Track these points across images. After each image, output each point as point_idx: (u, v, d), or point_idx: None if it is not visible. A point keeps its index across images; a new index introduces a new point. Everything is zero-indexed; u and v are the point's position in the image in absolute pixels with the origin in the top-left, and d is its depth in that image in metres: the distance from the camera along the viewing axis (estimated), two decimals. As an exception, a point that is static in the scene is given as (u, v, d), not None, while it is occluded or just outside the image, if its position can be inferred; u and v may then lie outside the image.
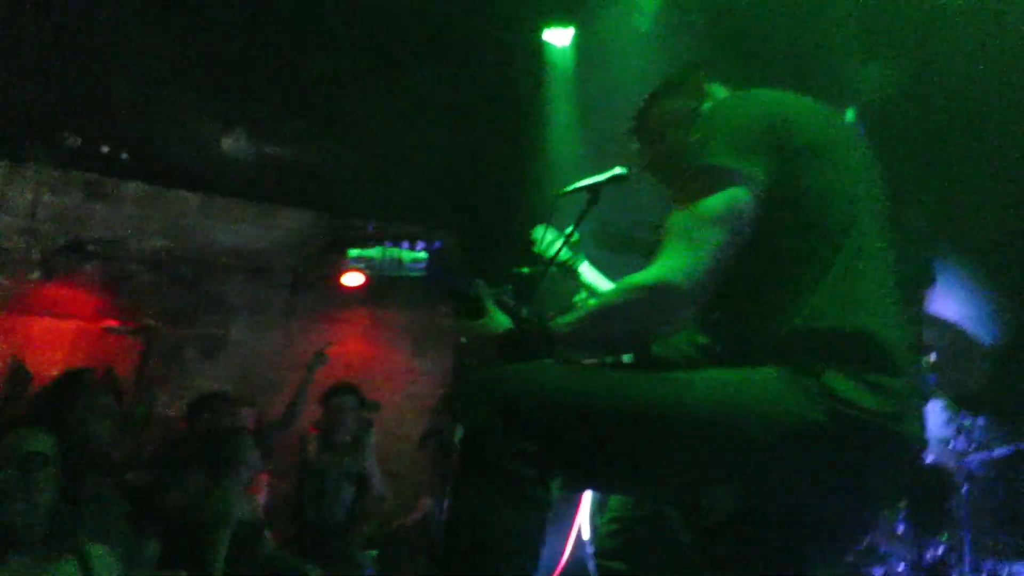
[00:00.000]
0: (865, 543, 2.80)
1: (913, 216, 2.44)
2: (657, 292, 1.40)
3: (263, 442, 4.02)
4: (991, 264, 3.52)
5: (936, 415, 2.60)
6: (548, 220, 2.40)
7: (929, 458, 2.64)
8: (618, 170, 2.29)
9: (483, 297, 1.70)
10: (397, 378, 5.97)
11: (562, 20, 4.80)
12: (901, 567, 2.73)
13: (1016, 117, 3.40)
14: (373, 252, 2.04)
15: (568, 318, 1.51)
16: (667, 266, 1.39)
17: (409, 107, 5.50)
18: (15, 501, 2.16)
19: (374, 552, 4.21)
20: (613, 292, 1.57)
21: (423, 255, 1.91)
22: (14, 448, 2.26)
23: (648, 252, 1.63)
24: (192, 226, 5.87)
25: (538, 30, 4.85)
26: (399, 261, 1.90)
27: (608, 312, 1.49)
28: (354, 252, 2.03)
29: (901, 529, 2.54)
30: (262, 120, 5.33)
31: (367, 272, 2.08)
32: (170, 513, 2.85)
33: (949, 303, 3.59)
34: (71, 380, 2.96)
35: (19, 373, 4.04)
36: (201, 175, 5.74)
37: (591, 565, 3.50)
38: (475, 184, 5.83)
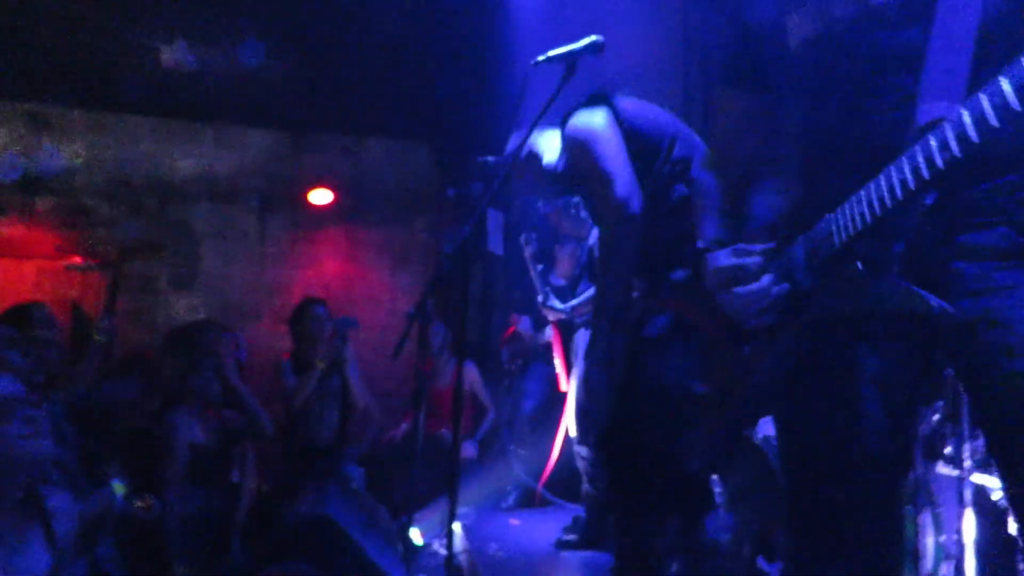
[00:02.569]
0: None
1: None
2: (613, 219, 1.97)
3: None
4: None
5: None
6: (521, 92, 2.22)
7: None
8: (594, 38, 2.13)
9: None
10: (378, 296, 5.84)
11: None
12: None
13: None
14: None
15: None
16: None
17: (370, 13, 5.17)
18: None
19: (362, 468, 4.18)
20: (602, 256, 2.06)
21: None
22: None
23: None
24: (148, 153, 5.59)
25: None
26: None
27: (607, 261, 2.03)
28: None
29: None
30: (208, 32, 4.99)
31: None
32: (126, 437, 2.76)
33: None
34: (16, 314, 2.80)
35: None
36: (150, 98, 5.41)
37: (579, 463, 3.49)
38: (444, 92, 5.54)
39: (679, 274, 2.01)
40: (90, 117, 5.44)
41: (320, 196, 5.63)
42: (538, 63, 2.16)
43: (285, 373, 4.11)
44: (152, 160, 5.62)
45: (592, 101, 2.17)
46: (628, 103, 2.17)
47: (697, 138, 2.19)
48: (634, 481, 2.08)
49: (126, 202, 5.50)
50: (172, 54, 5.03)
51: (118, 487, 2.53)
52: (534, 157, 2.28)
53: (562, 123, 2.21)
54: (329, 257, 5.81)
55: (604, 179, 2.02)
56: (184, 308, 5.41)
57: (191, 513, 3.01)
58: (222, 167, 5.78)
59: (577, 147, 2.14)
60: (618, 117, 2.12)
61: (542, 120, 2.14)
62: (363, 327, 4.64)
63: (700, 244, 1.40)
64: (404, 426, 4.74)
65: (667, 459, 2.06)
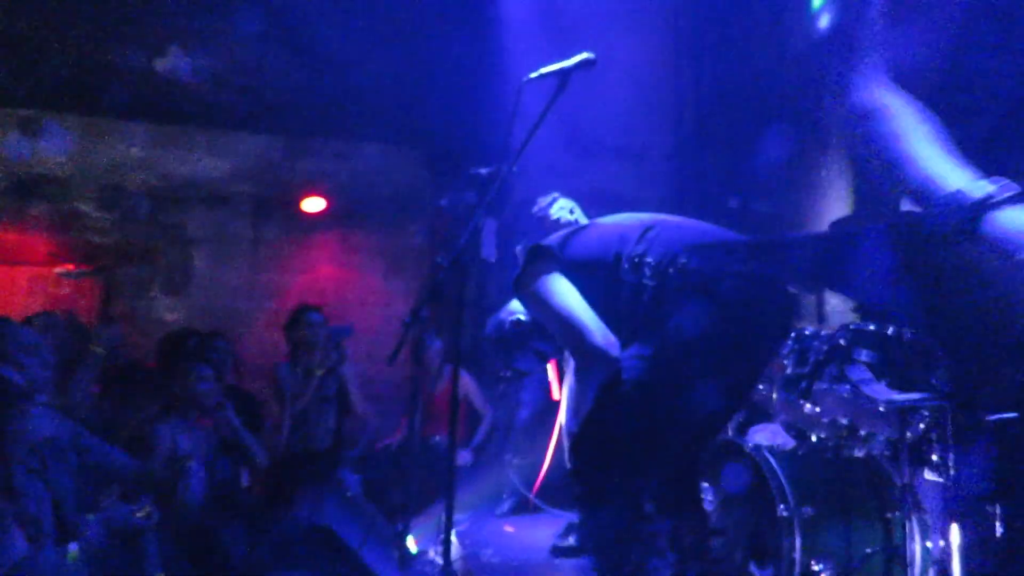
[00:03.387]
0: (844, 427, 2.79)
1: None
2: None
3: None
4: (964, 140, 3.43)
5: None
6: (515, 107, 2.27)
7: (909, 333, 2.59)
8: (586, 55, 2.18)
9: None
10: (372, 301, 5.85)
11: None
12: (882, 446, 2.73)
13: None
14: None
15: None
16: None
17: (365, 20, 5.19)
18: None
19: (359, 475, 4.20)
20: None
21: None
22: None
23: None
24: (141, 158, 5.59)
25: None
26: None
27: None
28: None
29: (883, 408, 2.51)
30: (202, 38, 5.00)
31: None
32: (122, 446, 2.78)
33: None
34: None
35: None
36: (144, 103, 5.41)
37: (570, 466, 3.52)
38: (437, 99, 5.57)
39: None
40: (83, 122, 5.43)
41: (313, 202, 5.64)
42: (530, 79, 2.21)
43: (283, 378, 4.13)
44: (145, 165, 5.62)
45: (532, 259, 2.21)
46: (568, 242, 2.23)
47: (655, 222, 2.23)
48: (609, 488, 2.12)
49: (119, 208, 5.49)
50: (166, 60, 5.04)
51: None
52: (519, 323, 2.38)
53: (514, 289, 2.26)
54: (323, 262, 5.83)
55: (576, 333, 2.08)
56: (177, 314, 5.41)
57: (187, 519, 3.02)
58: (215, 172, 5.78)
59: (539, 312, 2.21)
60: (562, 263, 2.17)
61: (534, 134, 2.18)
62: (357, 332, 4.67)
63: None
64: (400, 432, 4.76)
65: (646, 464, 2.11)
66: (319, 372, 4.17)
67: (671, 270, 2.04)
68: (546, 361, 2.69)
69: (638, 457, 2.08)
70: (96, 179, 5.46)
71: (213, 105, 5.52)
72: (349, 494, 3.80)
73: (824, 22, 4.27)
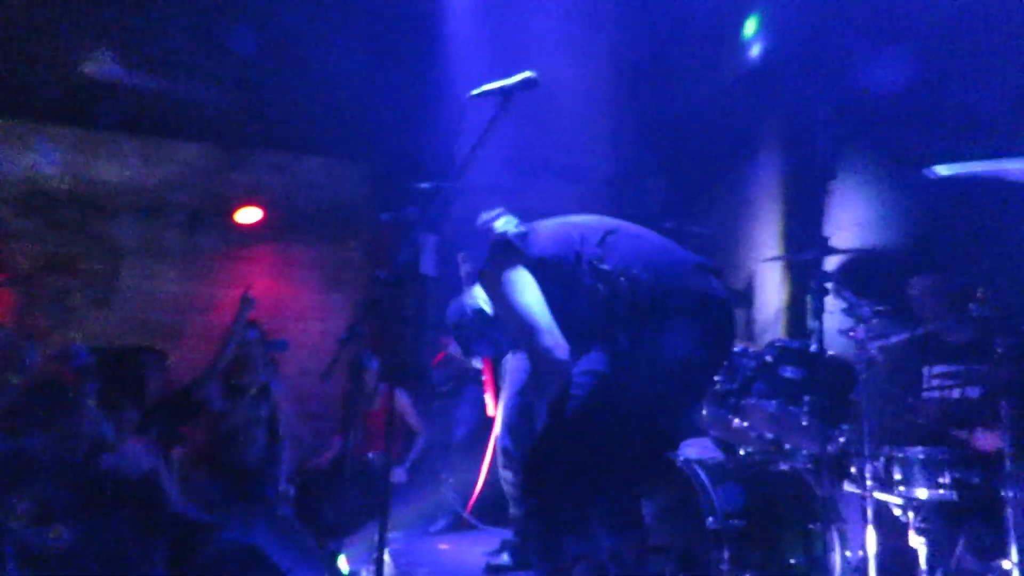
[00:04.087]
0: (770, 441, 2.89)
1: (821, 114, 2.44)
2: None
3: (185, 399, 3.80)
4: (888, 167, 3.63)
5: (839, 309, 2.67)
6: (458, 124, 2.29)
7: (831, 351, 2.71)
8: (528, 74, 2.22)
9: None
10: (308, 316, 5.75)
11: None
12: (804, 460, 2.83)
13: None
14: None
15: None
16: None
17: (308, 30, 5.15)
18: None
19: (290, 493, 4.10)
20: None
21: None
22: None
23: None
24: (69, 164, 5.38)
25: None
26: None
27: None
28: None
29: (805, 423, 2.61)
30: (135, 43, 4.87)
31: None
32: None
33: (850, 206, 3.70)
34: None
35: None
36: (72, 108, 5.22)
37: (505, 488, 3.53)
38: (380, 114, 5.56)
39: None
40: (5, 126, 5.21)
41: (249, 213, 5.53)
42: (473, 96, 2.24)
43: (213, 396, 4.01)
44: (73, 172, 5.41)
45: (498, 251, 2.26)
46: (534, 238, 2.28)
47: (610, 225, 2.29)
48: (557, 505, 2.13)
49: (42, 214, 5.27)
50: (95, 63, 4.88)
51: None
52: (480, 312, 2.39)
53: (479, 279, 2.32)
54: (258, 275, 5.69)
55: (528, 331, 2.12)
56: (102, 326, 5.19)
57: (106, 541, 2.89)
58: (148, 181, 5.61)
59: (498, 303, 2.25)
60: (526, 258, 2.22)
61: (477, 151, 2.21)
62: (293, 348, 4.57)
63: None
64: (333, 450, 4.67)
65: (595, 483, 2.14)
66: (252, 390, 4.07)
67: (623, 279, 2.09)
68: (502, 352, 2.71)
69: (589, 474, 2.09)
70: (19, 184, 5.22)
71: (145, 112, 5.37)
72: (279, 513, 3.71)
73: (755, 52, 4.47)
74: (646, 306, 2.08)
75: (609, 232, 2.21)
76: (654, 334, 2.07)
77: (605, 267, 2.12)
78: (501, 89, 2.21)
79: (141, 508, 3.21)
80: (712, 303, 2.16)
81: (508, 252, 2.23)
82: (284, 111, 5.51)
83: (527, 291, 2.15)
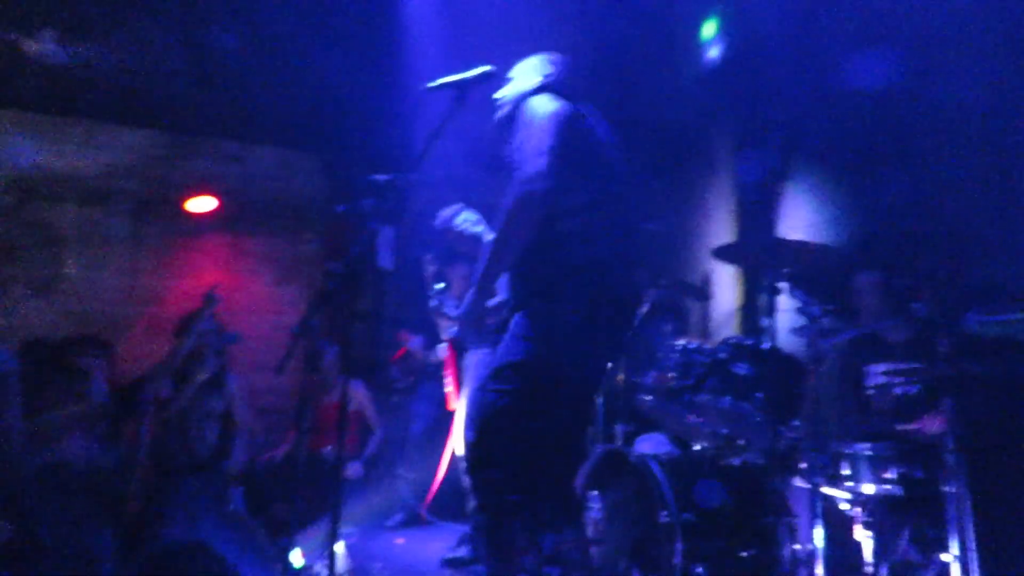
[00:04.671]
0: (723, 437, 2.94)
1: (771, 125, 2.49)
2: (524, 202, 2.12)
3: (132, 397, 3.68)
4: (838, 169, 3.73)
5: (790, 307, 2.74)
6: (416, 117, 2.29)
7: (783, 349, 2.77)
8: (486, 68, 2.22)
9: None
10: (261, 309, 5.63)
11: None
12: (756, 455, 2.90)
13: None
14: None
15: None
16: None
17: (262, 20, 5.03)
18: None
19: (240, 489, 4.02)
20: (499, 229, 2.15)
21: None
22: None
23: None
24: (8, 147, 5.16)
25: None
26: None
27: (504, 240, 2.14)
28: None
29: (758, 419, 2.66)
30: (80, 23, 4.68)
31: None
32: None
33: (801, 206, 3.79)
34: None
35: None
36: (12, 90, 5.00)
37: (465, 482, 3.53)
38: (337, 105, 5.47)
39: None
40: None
41: (201, 203, 5.39)
42: (431, 88, 2.23)
43: (163, 386, 3.90)
44: (11, 155, 5.19)
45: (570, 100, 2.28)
46: (598, 127, 2.34)
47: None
48: (505, 499, 2.15)
49: (-23, 201, 5.05)
50: (36, 43, 4.68)
51: None
52: (490, 76, 2.31)
53: (536, 91, 2.31)
54: (209, 266, 5.56)
55: (536, 150, 2.12)
56: (43, 317, 5.00)
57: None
58: (92, 167, 5.41)
59: (531, 114, 2.22)
60: (583, 130, 2.24)
61: (433, 144, 2.20)
62: (245, 341, 4.48)
63: None
64: (287, 444, 4.60)
65: (539, 476, 2.16)
66: (200, 377, 3.97)
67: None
68: (466, 276, 2.73)
69: (530, 463, 2.11)
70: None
71: (92, 96, 5.18)
72: (229, 508, 3.63)
73: (713, 53, 4.53)
74: (598, 281, 2.13)
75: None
76: (595, 310, 2.13)
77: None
78: (458, 82, 2.20)
79: (87, 502, 3.12)
80: (638, 302, 2.28)
81: (579, 110, 2.28)
82: (237, 99, 5.38)
83: (563, 135, 2.16)
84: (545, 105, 2.22)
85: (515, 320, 2.19)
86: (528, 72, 2.46)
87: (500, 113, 2.42)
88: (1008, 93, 2.98)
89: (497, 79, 2.37)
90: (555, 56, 2.53)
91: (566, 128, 2.18)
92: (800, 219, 3.79)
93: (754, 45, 4.27)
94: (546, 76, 2.42)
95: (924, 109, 3.29)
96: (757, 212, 4.02)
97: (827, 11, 3.80)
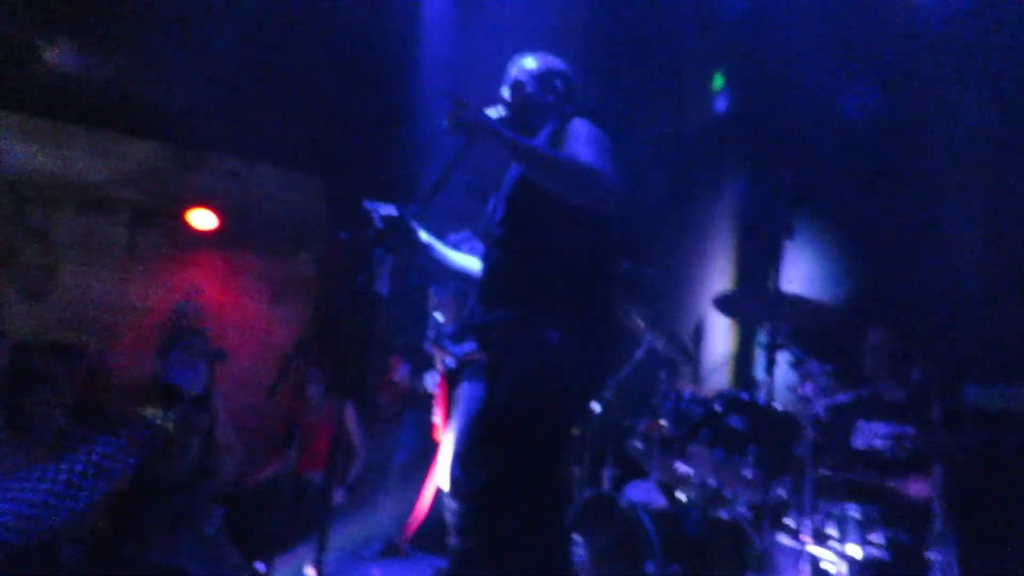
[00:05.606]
0: (712, 488, 2.93)
1: (784, 177, 2.52)
2: (597, 175, 1.93)
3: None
4: (840, 226, 3.77)
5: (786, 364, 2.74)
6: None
7: (778, 405, 2.77)
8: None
9: None
10: (252, 327, 5.61)
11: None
12: (744, 509, 2.88)
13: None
14: None
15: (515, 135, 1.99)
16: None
17: (273, 40, 5.08)
18: None
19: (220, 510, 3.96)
20: (561, 153, 1.98)
21: None
22: None
23: None
24: (10, 151, 5.15)
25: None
26: None
27: (553, 161, 1.95)
28: None
29: (749, 474, 2.65)
30: (96, 35, 4.72)
31: None
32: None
33: (802, 261, 3.81)
34: None
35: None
36: (21, 95, 5.01)
37: (448, 516, 3.48)
38: (341, 127, 5.50)
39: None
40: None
41: (202, 217, 5.39)
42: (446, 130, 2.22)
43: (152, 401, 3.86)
44: (11, 159, 5.18)
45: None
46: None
47: None
48: (508, 535, 2.11)
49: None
50: (48, 50, 4.71)
51: None
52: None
53: (591, 115, 2.17)
54: (204, 281, 5.54)
55: (597, 166, 1.96)
56: (35, 322, 4.96)
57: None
58: (93, 174, 5.41)
59: (590, 129, 2.07)
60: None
61: (445, 180, 2.20)
62: (234, 359, 4.44)
63: None
64: (273, 465, 4.54)
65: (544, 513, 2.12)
66: (189, 396, 3.93)
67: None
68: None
69: (533, 507, 2.07)
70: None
71: (97, 103, 5.20)
72: (207, 532, 3.57)
73: (722, 104, 4.60)
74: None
75: None
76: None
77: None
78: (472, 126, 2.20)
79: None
80: None
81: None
82: (243, 117, 5.40)
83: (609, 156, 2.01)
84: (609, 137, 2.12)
85: (543, 337, 1.97)
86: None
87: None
88: (1009, 153, 3.03)
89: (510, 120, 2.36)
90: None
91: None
92: (799, 273, 3.82)
93: (760, 94, 4.33)
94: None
95: (927, 166, 3.34)
96: (757, 262, 4.05)
97: (837, 62, 3.86)
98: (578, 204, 1.97)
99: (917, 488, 2.67)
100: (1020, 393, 2.16)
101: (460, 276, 2.43)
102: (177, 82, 5.18)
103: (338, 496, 4.55)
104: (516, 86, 2.30)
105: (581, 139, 2.02)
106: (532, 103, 2.27)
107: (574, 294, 1.99)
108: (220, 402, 4.18)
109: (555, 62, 2.36)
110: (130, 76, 5.13)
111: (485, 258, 2.25)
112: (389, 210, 2.40)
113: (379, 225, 2.25)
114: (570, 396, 2.06)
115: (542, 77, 2.29)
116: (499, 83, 2.45)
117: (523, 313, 2.01)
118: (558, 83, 2.31)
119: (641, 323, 3.46)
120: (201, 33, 5.05)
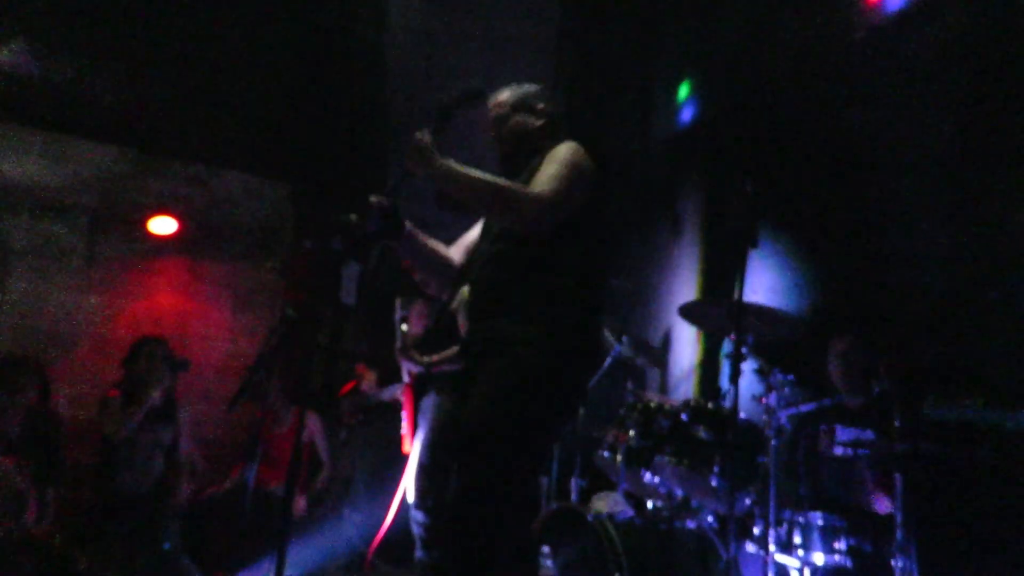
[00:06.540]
0: (679, 498, 2.94)
1: (747, 187, 2.54)
2: (513, 201, 1.94)
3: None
4: (803, 238, 3.83)
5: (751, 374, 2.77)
6: (384, 153, 2.26)
7: (742, 415, 2.80)
8: (475, 90, 2.19)
9: None
10: (215, 336, 5.49)
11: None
12: (710, 519, 2.90)
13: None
14: None
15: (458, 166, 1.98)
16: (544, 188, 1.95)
17: (239, 45, 5.02)
18: None
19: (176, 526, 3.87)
20: (503, 181, 1.99)
21: None
22: None
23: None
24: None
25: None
26: None
27: (490, 186, 1.95)
28: None
29: (715, 483, 2.67)
30: (47, 32, 4.60)
31: None
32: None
33: (766, 272, 3.86)
34: None
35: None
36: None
37: (415, 528, 3.45)
38: (307, 134, 5.44)
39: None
40: None
41: (162, 223, 5.27)
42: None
43: (111, 411, 3.76)
44: (-35, 162, 5.02)
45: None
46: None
47: None
48: (483, 548, 2.08)
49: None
50: (5, 53, 4.58)
51: None
52: (481, 95, 2.22)
53: (576, 137, 2.16)
54: (165, 289, 5.42)
55: (560, 187, 1.96)
56: (-16, 331, 4.80)
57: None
58: (49, 179, 5.26)
59: (566, 152, 2.06)
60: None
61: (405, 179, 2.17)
62: (196, 367, 4.34)
63: None
64: (232, 479, 4.44)
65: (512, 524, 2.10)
66: (152, 398, 3.85)
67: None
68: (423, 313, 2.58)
69: (507, 522, 2.05)
70: None
71: (55, 107, 5.06)
72: (165, 547, 3.49)
73: (685, 116, 4.65)
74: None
75: None
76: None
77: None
78: (440, 106, 2.16)
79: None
80: None
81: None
82: (206, 122, 5.31)
83: (585, 187, 2.00)
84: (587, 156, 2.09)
85: (523, 350, 1.95)
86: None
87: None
88: (971, 174, 3.11)
89: (484, 97, 2.31)
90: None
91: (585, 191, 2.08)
92: (763, 283, 3.87)
93: (725, 108, 4.39)
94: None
95: (890, 181, 3.41)
96: (723, 273, 4.09)
97: (799, 77, 3.93)
98: (505, 226, 2.03)
99: (880, 505, 2.72)
100: (978, 405, 2.21)
101: (441, 266, 2.38)
102: (138, 85, 5.08)
103: (302, 507, 4.47)
104: (497, 121, 2.27)
105: (552, 161, 2.02)
106: (519, 131, 2.23)
107: (560, 310, 1.98)
108: (184, 416, 4.10)
109: (528, 87, 2.32)
110: (89, 78, 5.01)
111: (478, 274, 2.19)
112: (354, 219, 2.36)
113: (378, 219, 2.19)
114: (548, 410, 2.04)
115: (519, 104, 2.25)
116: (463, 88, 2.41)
117: (507, 324, 2.00)
118: (540, 104, 2.27)
119: (609, 334, 3.47)
120: (163, 35, 4.96)
